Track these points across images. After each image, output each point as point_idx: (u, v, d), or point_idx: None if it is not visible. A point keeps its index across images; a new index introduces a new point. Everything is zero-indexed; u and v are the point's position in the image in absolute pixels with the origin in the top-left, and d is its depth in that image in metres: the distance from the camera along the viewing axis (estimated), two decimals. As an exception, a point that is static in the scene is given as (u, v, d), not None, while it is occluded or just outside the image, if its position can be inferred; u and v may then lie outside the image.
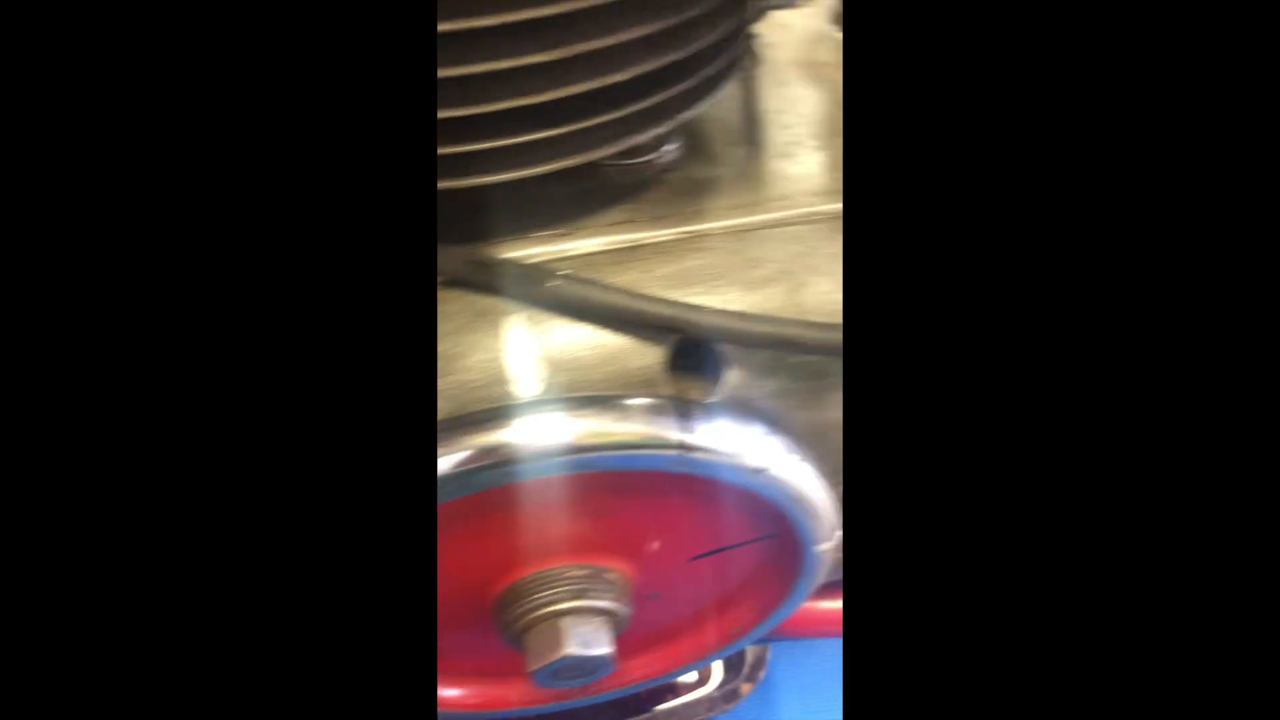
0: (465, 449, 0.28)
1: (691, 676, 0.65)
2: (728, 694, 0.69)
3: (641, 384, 0.29)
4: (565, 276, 0.29)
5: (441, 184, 0.28)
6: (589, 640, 0.33)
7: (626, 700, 0.61)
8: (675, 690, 0.66)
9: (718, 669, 0.68)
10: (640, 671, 0.42)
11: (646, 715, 0.65)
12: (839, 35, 0.44)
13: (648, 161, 0.34)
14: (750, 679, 0.69)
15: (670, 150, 0.35)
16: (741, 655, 0.68)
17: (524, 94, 0.25)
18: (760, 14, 0.39)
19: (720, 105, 0.38)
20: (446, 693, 0.40)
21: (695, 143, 0.36)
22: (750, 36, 0.40)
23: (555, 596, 0.34)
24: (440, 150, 0.27)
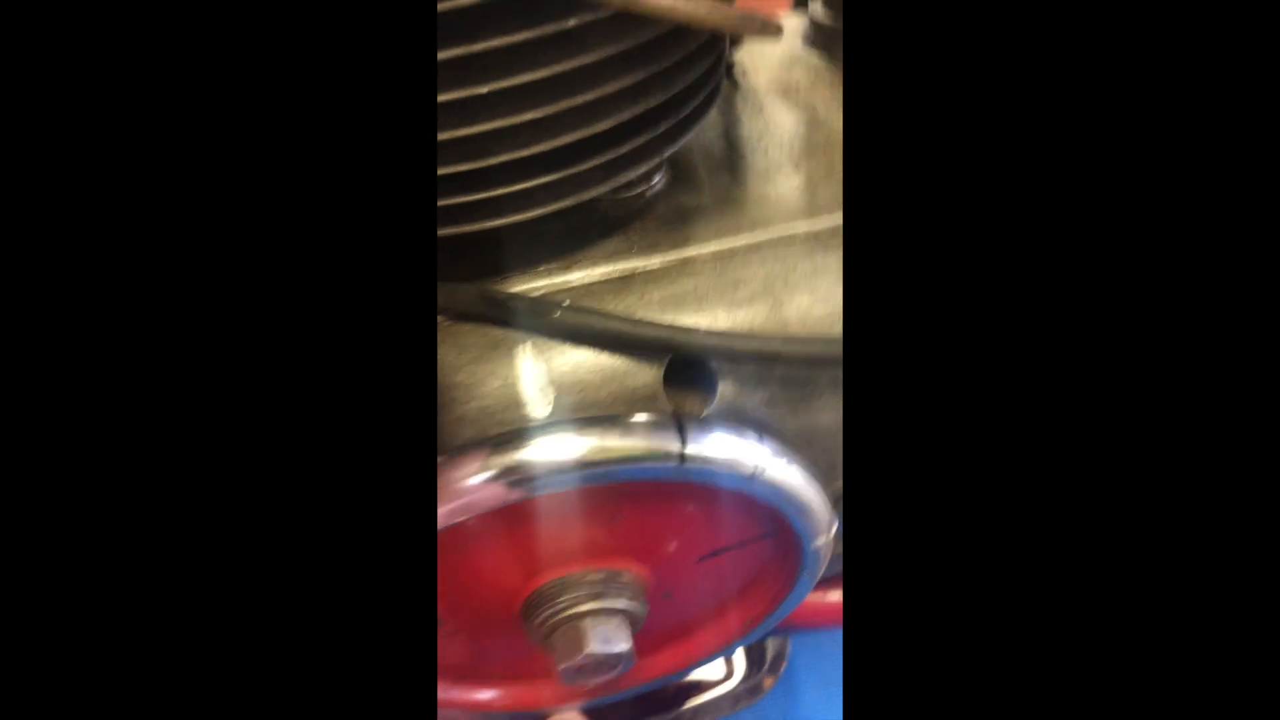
0: (489, 469, 0.31)
1: (716, 673, 0.67)
2: (751, 688, 0.70)
3: (642, 401, 0.32)
4: (567, 307, 0.31)
5: (453, 230, 0.31)
6: (609, 638, 0.36)
7: (654, 697, 0.63)
8: (700, 687, 0.67)
9: (740, 664, 0.69)
10: (663, 666, 0.44)
11: (674, 712, 0.66)
12: (812, 58, 0.46)
13: (638, 194, 0.37)
14: (773, 672, 0.71)
15: (658, 182, 0.37)
16: (763, 650, 0.70)
17: (522, 147, 0.28)
18: (736, 44, 0.42)
19: (702, 134, 0.40)
20: (481, 694, 0.42)
21: (680, 172, 0.38)
22: (728, 66, 0.43)
23: (576, 599, 0.36)
24: (450, 200, 0.30)
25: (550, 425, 0.31)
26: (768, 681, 0.71)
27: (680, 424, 0.32)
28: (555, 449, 0.31)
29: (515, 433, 0.31)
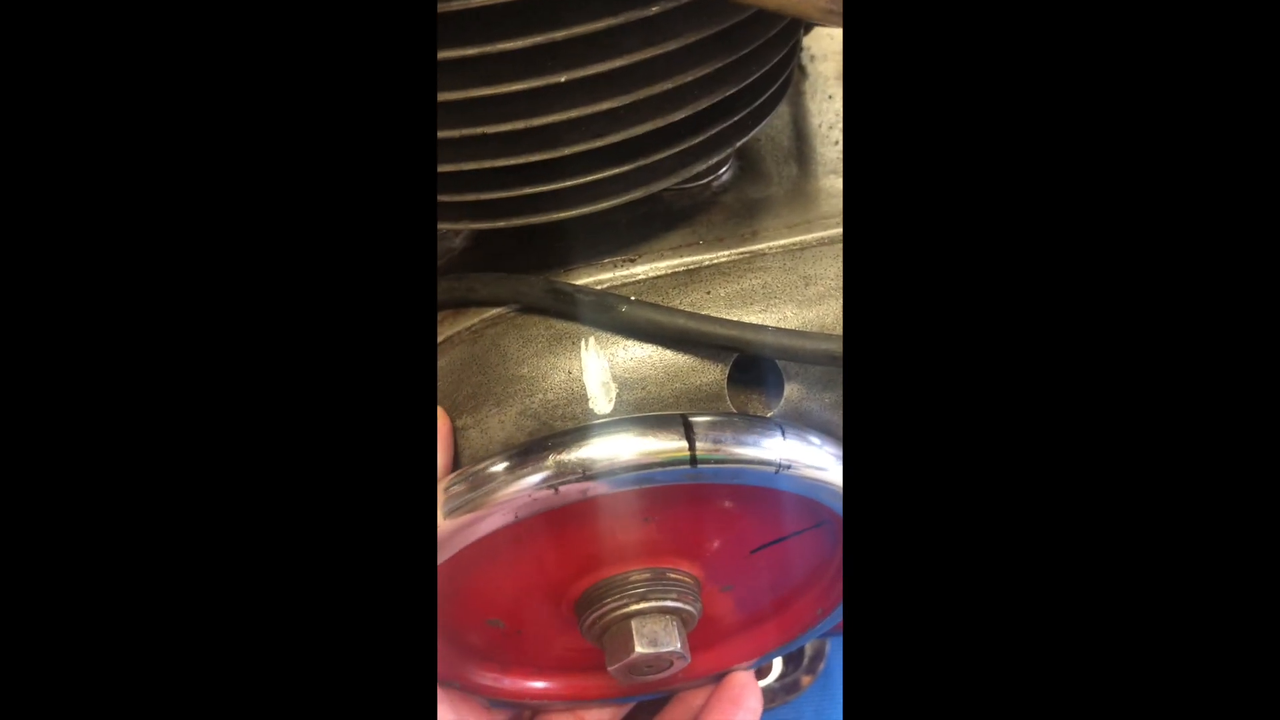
0: (548, 467, 0.30)
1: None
2: (788, 686, 0.70)
3: (706, 400, 0.31)
4: (633, 301, 0.31)
5: (521, 221, 0.30)
6: (657, 639, 0.36)
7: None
8: None
9: (778, 662, 0.69)
10: (737, 655, 0.44)
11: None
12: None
13: (704, 185, 0.36)
14: (810, 671, 0.71)
15: (725, 173, 0.36)
16: (801, 649, 0.69)
17: (597, 137, 0.28)
18: (808, 30, 0.40)
19: (770, 124, 0.39)
20: (535, 684, 0.42)
21: (748, 164, 0.37)
22: (798, 55, 0.41)
23: (622, 601, 0.36)
24: (521, 191, 0.29)
25: (610, 423, 0.31)
26: (805, 680, 0.70)
27: (744, 425, 0.31)
28: (615, 448, 0.30)
29: (576, 431, 0.31)
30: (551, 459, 0.30)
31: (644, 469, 0.30)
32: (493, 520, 0.31)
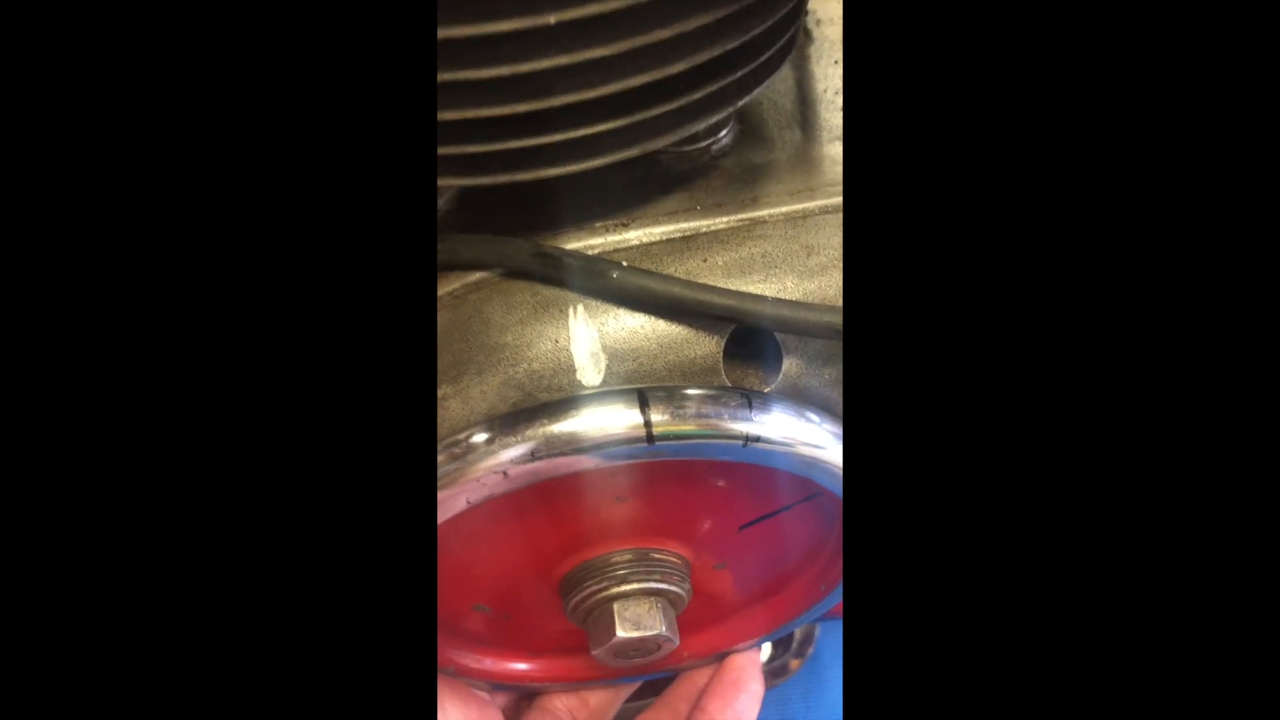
0: (531, 439, 0.29)
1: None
2: (776, 669, 0.69)
3: (700, 374, 0.30)
4: (626, 267, 0.29)
5: (508, 177, 0.28)
6: (640, 621, 0.34)
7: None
8: None
9: (766, 646, 0.68)
10: (741, 633, 0.43)
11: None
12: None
13: (704, 148, 0.34)
14: (799, 655, 0.70)
15: (725, 136, 0.35)
16: (790, 633, 0.68)
17: (589, 88, 0.26)
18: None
19: (773, 88, 0.37)
20: (517, 666, 0.41)
21: (750, 127, 0.35)
22: (804, 15, 0.39)
23: (604, 583, 0.35)
24: (508, 145, 0.27)
25: (600, 394, 0.29)
26: (794, 664, 0.70)
27: (741, 399, 0.29)
28: (603, 420, 0.29)
29: (562, 401, 0.29)
30: (499, 441, 0.28)
31: (599, 447, 0.28)
32: (452, 504, 0.29)
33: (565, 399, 0.29)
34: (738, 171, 0.34)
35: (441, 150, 0.27)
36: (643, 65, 0.26)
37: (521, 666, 0.41)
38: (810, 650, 0.70)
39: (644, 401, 0.28)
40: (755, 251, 0.31)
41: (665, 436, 0.28)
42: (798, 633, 0.70)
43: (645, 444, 0.28)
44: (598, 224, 0.31)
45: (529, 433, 0.29)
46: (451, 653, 0.39)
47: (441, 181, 0.29)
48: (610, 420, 0.28)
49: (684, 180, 0.33)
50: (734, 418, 0.29)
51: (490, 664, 0.40)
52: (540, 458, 0.29)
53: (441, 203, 0.34)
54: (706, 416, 0.28)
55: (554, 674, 0.42)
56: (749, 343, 0.30)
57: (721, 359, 0.30)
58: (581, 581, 0.34)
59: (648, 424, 0.28)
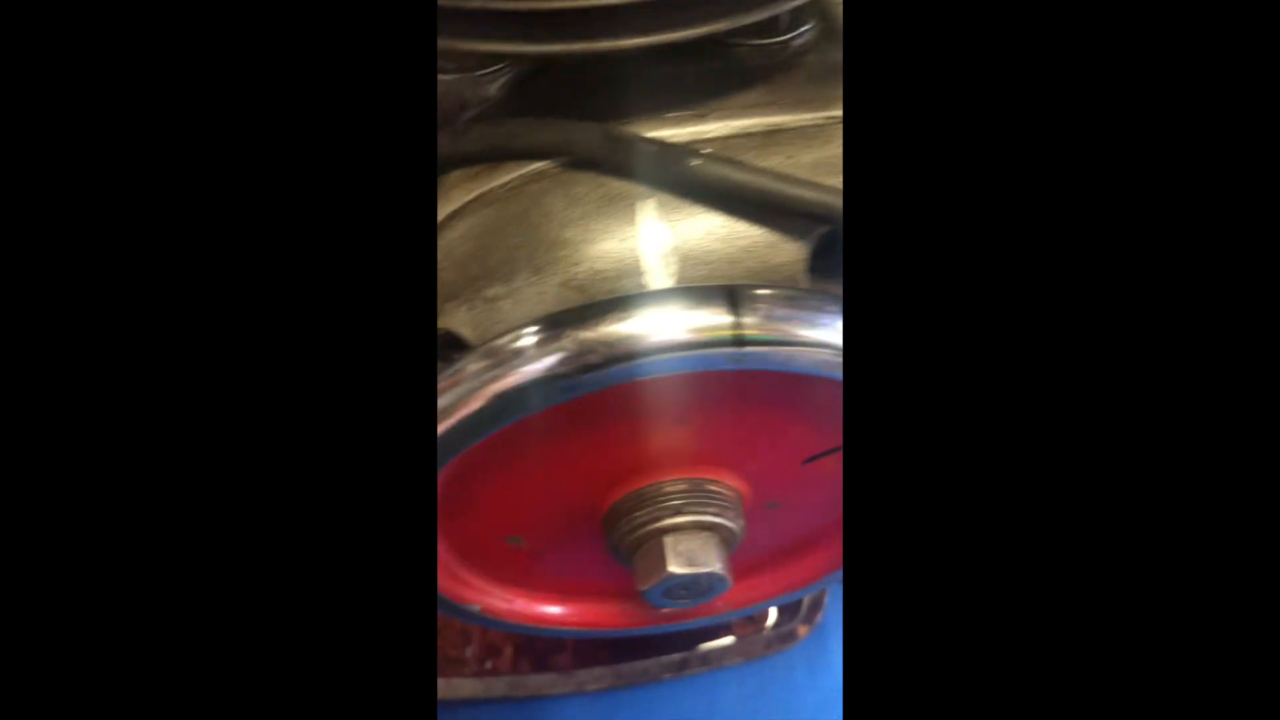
0: (587, 342, 0.26)
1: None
2: (784, 635, 0.68)
3: (782, 283, 0.27)
4: (707, 154, 0.26)
5: (567, 47, 0.25)
6: (694, 557, 0.32)
7: (672, 637, 0.61)
8: (730, 629, 0.65)
9: (774, 610, 0.67)
10: (789, 581, 0.40)
11: (699, 650, 0.64)
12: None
13: (784, 43, 0.31)
14: (807, 621, 0.68)
15: (805, 32, 0.32)
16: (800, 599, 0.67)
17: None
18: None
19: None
20: (549, 609, 0.39)
21: (830, 25, 0.33)
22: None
23: (655, 514, 0.32)
24: (563, 4, 0.24)
25: (663, 297, 0.26)
26: (801, 630, 0.68)
27: (824, 306, 0.26)
28: (659, 325, 0.26)
29: (615, 302, 0.26)
30: (548, 345, 0.25)
31: (675, 350, 0.25)
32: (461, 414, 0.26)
33: (628, 296, 0.26)
34: (820, 70, 0.31)
35: (490, 2, 0.24)
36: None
37: (553, 610, 0.38)
38: (819, 617, 0.69)
39: (734, 300, 0.25)
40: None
41: (756, 342, 0.25)
42: (807, 599, 0.68)
43: (733, 349, 0.25)
44: (671, 115, 0.28)
45: (584, 335, 0.25)
46: (479, 590, 0.36)
47: (490, 46, 0.26)
48: (689, 321, 0.25)
49: (764, 76, 0.30)
50: (836, 328, 0.26)
51: (520, 605, 0.37)
52: (594, 366, 0.25)
53: (494, 90, 0.31)
54: (805, 322, 0.25)
55: (586, 619, 0.39)
56: (837, 252, 0.28)
57: (805, 269, 0.27)
58: (630, 512, 0.32)
59: (738, 324, 0.25)
